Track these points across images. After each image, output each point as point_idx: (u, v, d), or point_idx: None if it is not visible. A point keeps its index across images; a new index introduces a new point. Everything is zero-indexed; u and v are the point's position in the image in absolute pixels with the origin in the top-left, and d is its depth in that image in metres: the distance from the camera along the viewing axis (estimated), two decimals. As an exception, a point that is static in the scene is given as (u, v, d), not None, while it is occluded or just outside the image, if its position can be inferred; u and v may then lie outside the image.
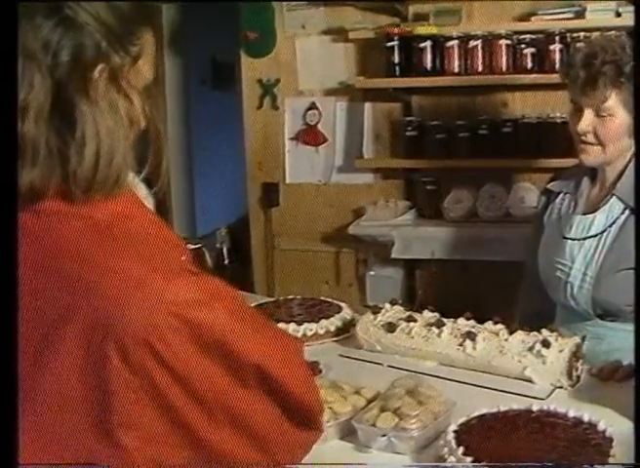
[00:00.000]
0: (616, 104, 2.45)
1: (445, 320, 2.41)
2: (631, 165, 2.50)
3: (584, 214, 2.60)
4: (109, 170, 1.19)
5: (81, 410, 1.11)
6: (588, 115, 2.49)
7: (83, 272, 1.14)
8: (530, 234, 2.92)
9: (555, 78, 3.83)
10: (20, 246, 1.14)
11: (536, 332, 2.28)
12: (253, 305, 2.81)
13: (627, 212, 2.50)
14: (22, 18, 1.15)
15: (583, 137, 2.52)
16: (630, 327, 2.31)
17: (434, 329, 2.37)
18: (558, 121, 3.98)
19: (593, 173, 2.65)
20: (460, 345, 2.31)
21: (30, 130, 1.14)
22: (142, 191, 1.36)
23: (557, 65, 3.94)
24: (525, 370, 2.21)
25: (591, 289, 2.54)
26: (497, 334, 2.30)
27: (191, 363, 1.14)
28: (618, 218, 2.52)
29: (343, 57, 4.55)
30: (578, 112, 2.53)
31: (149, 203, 1.42)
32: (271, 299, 3.00)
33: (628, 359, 2.16)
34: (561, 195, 2.72)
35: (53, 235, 1.17)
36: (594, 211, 2.58)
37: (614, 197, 2.54)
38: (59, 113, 1.16)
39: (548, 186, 2.79)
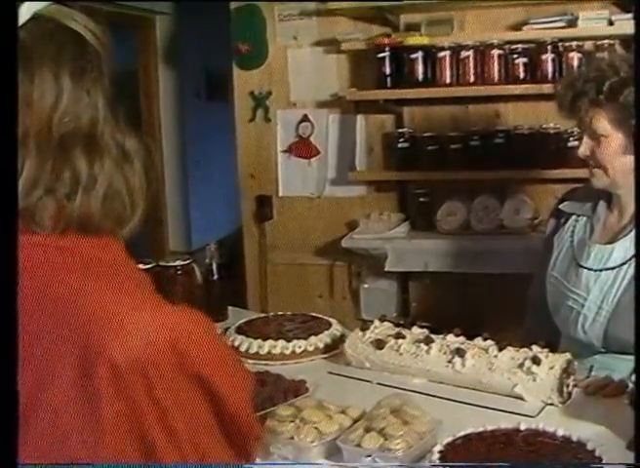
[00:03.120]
0: (606, 125, 2.37)
1: (434, 336, 2.38)
2: None
3: (604, 243, 2.48)
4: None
5: (76, 444, 1.08)
6: (585, 139, 2.44)
7: (74, 304, 1.11)
8: (538, 251, 2.82)
9: (547, 88, 3.85)
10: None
11: (526, 349, 2.24)
12: (243, 321, 2.80)
13: None
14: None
15: (589, 160, 2.45)
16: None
17: (423, 345, 2.34)
18: (551, 131, 3.97)
19: (609, 196, 2.54)
20: (449, 362, 2.28)
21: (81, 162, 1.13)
22: None
23: (549, 75, 3.92)
24: (515, 387, 2.18)
25: (605, 323, 2.41)
26: (486, 351, 2.27)
27: (177, 394, 1.11)
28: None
29: (335, 68, 4.53)
30: (580, 140, 2.48)
31: None
32: (261, 315, 2.97)
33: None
34: (574, 217, 2.62)
35: (42, 267, 1.13)
36: (613, 240, 2.47)
37: (635, 229, 2.37)
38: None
39: (560, 207, 2.68)
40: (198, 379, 1.12)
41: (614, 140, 2.37)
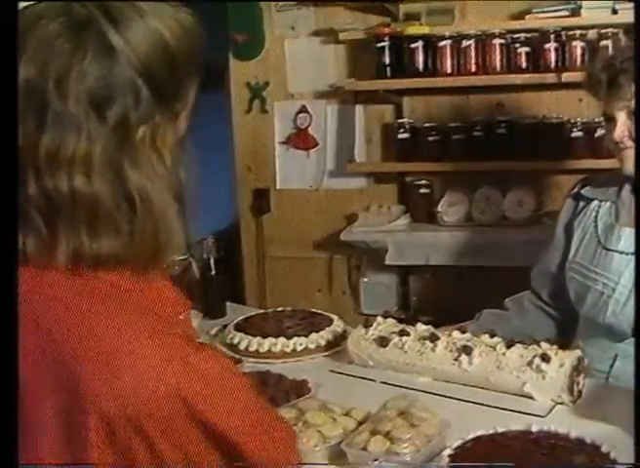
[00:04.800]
0: None
1: (439, 333, 2.32)
2: None
3: (634, 226, 2.40)
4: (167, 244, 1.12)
5: None
6: (623, 120, 2.35)
7: (62, 335, 1.03)
8: (548, 239, 2.75)
9: (550, 78, 3.79)
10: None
11: (535, 346, 2.18)
12: (242, 318, 2.74)
13: None
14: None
15: (621, 144, 2.37)
16: None
17: (428, 343, 2.28)
18: (554, 121, 3.91)
19: (634, 181, 2.45)
20: (456, 360, 2.22)
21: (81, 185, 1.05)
22: None
23: (552, 65, 3.86)
24: (524, 385, 2.12)
25: (638, 307, 2.33)
26: (494, 348, 2.20)
27: (188, 448, 1.02)
28: None
29: (334, 58, 4.47)
30: (611, 122, 2.40)
31: None
32: (260, 312, 2.91)
33: None
34: (595, 202, 2.57)
35: (33, 292, 1.05)
36: None
37: None
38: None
39: (582, 192, 2.62)
40: (218, 438, 1.02)
41: None
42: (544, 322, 2.73)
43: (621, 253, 2.44)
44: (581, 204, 2.62)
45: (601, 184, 2.59)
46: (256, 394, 1.12)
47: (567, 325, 2.67)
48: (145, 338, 1.02)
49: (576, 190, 2.67)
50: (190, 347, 1.04)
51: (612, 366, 2.38)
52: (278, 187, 4.64)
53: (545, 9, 3.96)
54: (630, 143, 2.35)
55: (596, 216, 2.56)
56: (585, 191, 2.61)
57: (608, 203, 2.54)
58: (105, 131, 1.05)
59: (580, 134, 3.87)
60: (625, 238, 2.44)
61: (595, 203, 2.58)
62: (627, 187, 2.50)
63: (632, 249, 2.39)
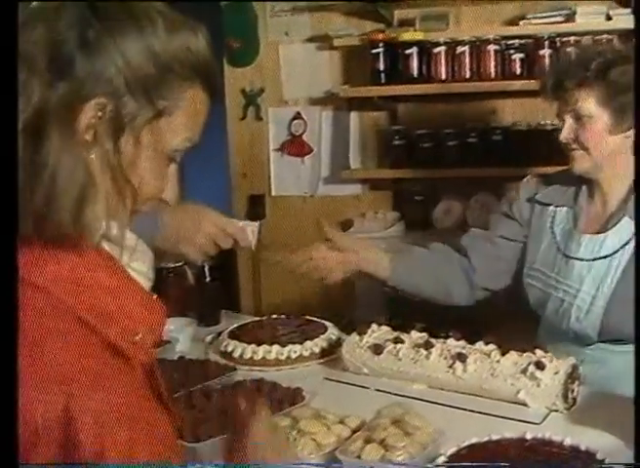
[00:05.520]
0: (591, 105, 2.37)
1: (434, 341, 2.32)
2: None
3: (594, 233, 2.48)
4: (58, 213, 1.04)
5: None
6: (569, 122, 2.43)
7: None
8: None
9: (545, 84, 3.78)
10: None
11: (529, 353, 2.18)
12: (236, 325, 2.74)
13: None
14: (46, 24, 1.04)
15: (569, 145, 2.45)
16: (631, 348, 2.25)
17: (422, 350, 2.28)
18: (549, 128, 3.90)
19: (588, 184, 2.54)
20: (450, 367, 2.22)
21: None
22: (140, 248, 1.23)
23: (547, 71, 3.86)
24: (518, 393, 2.12)
25: (602, 312, 2.41)
26: (488, 356, 2.20)
27: None
28: (631, 239, 2.39)
29: (328, 64, 4.48)
30: (562, 123, 2.47)
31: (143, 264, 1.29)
32: (254, 319, 2.90)
33: (626, 386, 1.97)
34: (551, 207, 2.60)
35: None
36: (604, 229, 2.46)
37: (625, 217, 2.42)
38: (31, 137, 1.03)
39: (537, 197, 2.65)
40: None
41: (600, 120, 2.38)
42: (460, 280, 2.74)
43: (582, 260, 2.47)
44: (537, 209, 2.65)
45: (558, 188, 2.62)
46: None
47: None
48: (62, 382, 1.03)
49: (529, 195, 2.68)
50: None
51: None
52: (273, 194, 4.63)
53: (540, 15, 3.97)
54: (578, 147, 2.42)
55: (552, 222, 2.59)
56: (541, 196, 2.64)
57: (565, 208, 2.58)
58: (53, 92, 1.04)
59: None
60: (585, 245, 2.47)
61: (551, 208, 2.61)
62: (584, 191, 2.55)
63: (593, 255, 2.44)
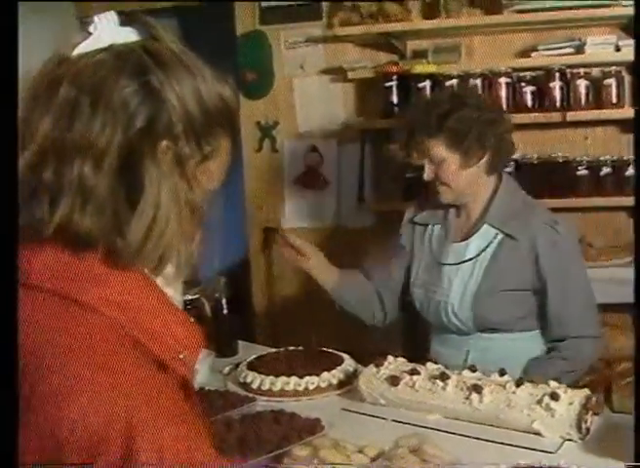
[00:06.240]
0: (441, 151, 2.69)
1: (449, 372, 2.35)
2: (497, 196, 2.77)
3: (459, 241, 2.82)
4: (157, 244, 1.12)
5: None
6: (427, 166, 2.73)
7: (44, 371, 1.05)
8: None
9: (556, 117, 3.83)
10: None
11: (544, 385, 2.22)
12: (254, 357, 2.77)
13: (500, 236, 2.73)
14: (111, 72, 1.10)
15: (433, 183, 2.75)
16: (512, 336, 2.73)
17: (439, 381, 2.31)
18: (560, 160, 3.95)
19: (456, 206, 2.86)
20: (467, 398, 2.26)
21: (89, 174, 1.08)
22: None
23: (557, 103, 3.91)
24: (533, 422, 2.15)
25: (470, 306, 2.74)
26: (503, 387, 2.24)
27: None
28: (491, 243, 2.75)
29: (342, 97, 4.52)
30: (423, 166, 2.76)
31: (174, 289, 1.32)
32: (272, 350, 2.93)
33: (515, 366, 2.53)
34: (429, 226, 2.93)
35: (26, 314, 1.08)
36: (467, 238, 2.81)
37: (485, 224, 2.76)
38: (124, 172, 1.10)
39: (415, 219, 2.97)
40: None
41: (452, 161, 2.70)
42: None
43: (451, 264, 2.81)
44: (417, 229, 2.97)
45: (431, 210, 2.94)
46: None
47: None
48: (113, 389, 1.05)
49: (409, 218, 3.01)
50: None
51: (465, 360, 2.69)
52: (287, 226, 4.63)
53: (551, 46, 4.01)
54: (440, 183, 2.74)
55: (430, 238, 2.92)
56: (419, 218, 2.97)
57: (438, 226, 2.91)
58: (131, 133, 1.10)
59: (585, 172, 3.92)
60: (453, 251, 2.82)
61: (429, 227, 2.94)
62: (451, 211, 2.88)
63: (459, 259, 2.79)
